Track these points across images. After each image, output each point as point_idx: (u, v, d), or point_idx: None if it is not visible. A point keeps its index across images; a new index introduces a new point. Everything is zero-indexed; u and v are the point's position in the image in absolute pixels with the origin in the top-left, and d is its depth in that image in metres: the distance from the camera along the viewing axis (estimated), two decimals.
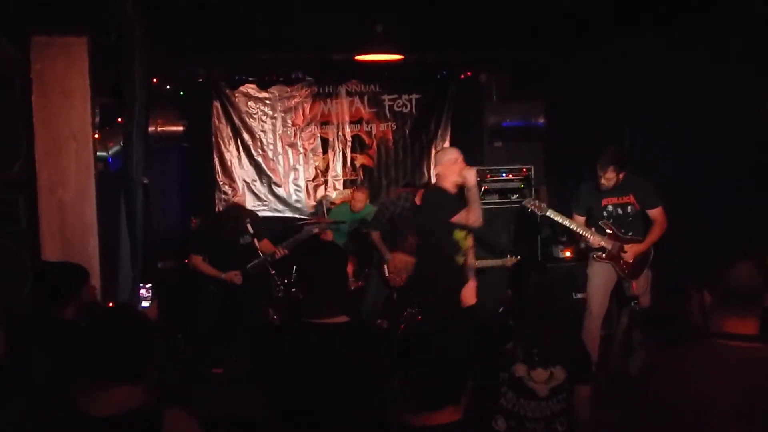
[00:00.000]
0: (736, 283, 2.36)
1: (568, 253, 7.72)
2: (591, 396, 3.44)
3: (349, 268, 6.48)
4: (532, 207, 5.97)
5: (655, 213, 5.85)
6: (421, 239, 5.55)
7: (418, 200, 6.18)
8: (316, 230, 6.57)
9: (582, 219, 5.93)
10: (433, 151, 9.54)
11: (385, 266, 6.33)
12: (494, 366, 3.38)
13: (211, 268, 6.24)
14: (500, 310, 4.87)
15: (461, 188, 5.37)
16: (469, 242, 5.52)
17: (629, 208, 5.82)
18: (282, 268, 7.32)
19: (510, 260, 6.68)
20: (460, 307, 5.40)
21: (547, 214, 5.89)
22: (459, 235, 5.39)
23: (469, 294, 5.49)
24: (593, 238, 5.79)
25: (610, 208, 5.84)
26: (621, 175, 5.72)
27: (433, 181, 5.50)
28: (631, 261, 5.80)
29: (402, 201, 6.42)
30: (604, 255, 5.83)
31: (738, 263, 2.38)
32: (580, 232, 5.82)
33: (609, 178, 5.71)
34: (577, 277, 6.83)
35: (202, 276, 6.29)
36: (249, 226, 6.28)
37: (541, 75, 8.87)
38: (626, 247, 5.77)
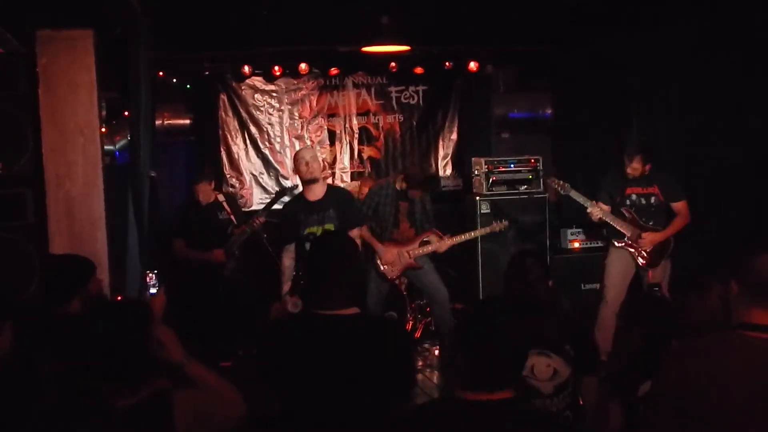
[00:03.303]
0: (764, 275, 2.33)
1: (576, 244, 7.70)
2: (598, 386, 3.42)
3: None
4: (555, 185, 6.03)
5: (679, 206, 5.91)
6: None
7: (398, 185, 6.22)
8: (289, 184, 6.64)
9: (607, 207, 5.96)
10: (441, 143, 9.53)
11: (378, 260, 6.29)
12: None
13: (195, 252, 6.29)
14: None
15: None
16: None
17: (652, 198, 5.90)
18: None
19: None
20: None
21: (570, 194, 5.95)
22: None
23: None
24: (615, 221, 5.84)
25: (633, 197, 5.94)
26: (647, 167, 5.81)
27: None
28: (648, 249, 5.82)
29: (384, 189, 6.39)
30: (623, 241, 5.87)
31: (766, 255, 2.34)
32: (600, 214, 5.85)
33: (635, 167, 5.81)
34: (586, 267, 6.82)
35: (208, 269, 6.26)
36: (225, 204, 6.41)
37: (547, 66, 8.83)
38: (643, 234, 5.80)
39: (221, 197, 6.48)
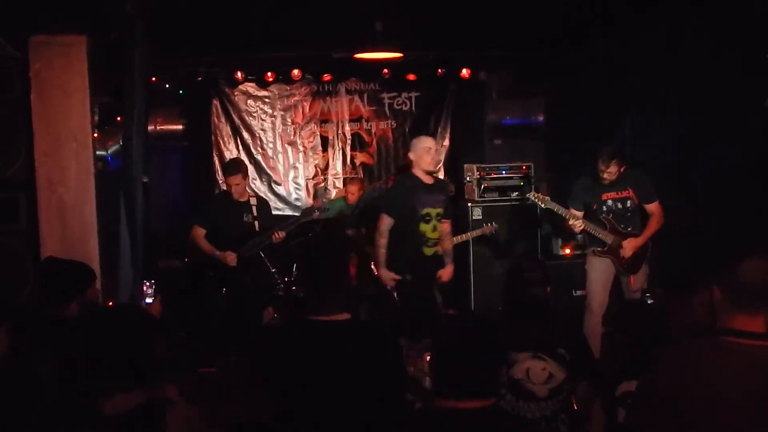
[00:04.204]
0: (747, 280, 2.33)
1: (567, 251, 7.74)
2: (593, 391, 3.44)
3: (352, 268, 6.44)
4: (535, 198, 6.02)
5: (652, 207, 5.89)
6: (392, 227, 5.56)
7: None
8: (316, 214, 6.51)
9: (580, 213, 5.94)
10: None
11: (373, 266, 6.28)
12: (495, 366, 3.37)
13: (209, 245, 6.10)
14: (500, 308, 4.88)
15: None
16: (444, 228, 5.62)
17: (628, 202, 5.88)
18: (283, 265, 7.30)
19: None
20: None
21: (550, 206, 5.94)
22: (425, 227, 5.48)
23: (446, 274, 5.67)
24: (596, 231, 5.83)
25: (609, 203, 5.89)
26: (622, 169, 5.78)
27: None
28: (629, 256, 5.83)
29: (378, 192, 6.41)
30: (603, 249, 5.87)
31: (750, 261, 2.35)
32: (583, 226, 5.83)
33: (612, 171, 5.77)
34: (577, 274, 6.84)
35: (202, 274, 6.22)
36: (254, 208, 6.22)
37: (541, 72, 8.86)
38: (624, 242, 5.81)
39: (254, 200, 6.30)
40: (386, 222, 5.51)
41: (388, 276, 5.48)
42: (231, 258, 6.04)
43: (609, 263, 5.89)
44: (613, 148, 5.97)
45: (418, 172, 5.55)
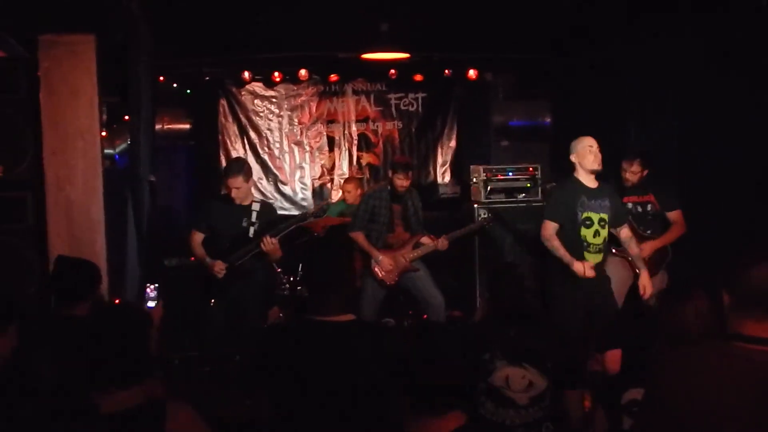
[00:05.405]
0: (758, 284, 2.28)
1: None
2: (582, 399, 3.42)
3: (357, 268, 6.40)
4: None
5: (674, 215, 5.94)
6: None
7: (400, 184, 6.14)
8: (311, 219, 6.19)
9: None
10: (439, 150, 9.57)
11: (376, 268, 6.24)
12: (472, 376, 3.35)
13: (202, 251, 5.67)
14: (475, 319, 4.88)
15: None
16: (623, 234, 5.48)
17: (649, 206, 5.95)
18: (288, 265, 7.30)
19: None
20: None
21: None
22: (585, 231, 5.29)
23: (645, 284, 5.37)
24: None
25: (629, 206, 5.96)
26: (645, 173, 5.85)
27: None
28: (646, 258, 5.84)
29: (378, 193, 6.33)
30: (620, 249, 5.89)
31: (761, 264, 2.32)
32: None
33: (634, 171, 5.86)
34: None
35: (204, 271, 6.05)
36: (254, 213, 5.71)
37: (547, 74, 8.86)
38: (642, 245, 5.82)
39: (256, 205, 5.74)
40: (550, 227, 5.30)
41: (581, 268, 5.18)
42: (219, 268, 5.57)
43: (627, 267, 5.91)
44: (638, 149, 6.08)
45: (581, 175, 5.37)
